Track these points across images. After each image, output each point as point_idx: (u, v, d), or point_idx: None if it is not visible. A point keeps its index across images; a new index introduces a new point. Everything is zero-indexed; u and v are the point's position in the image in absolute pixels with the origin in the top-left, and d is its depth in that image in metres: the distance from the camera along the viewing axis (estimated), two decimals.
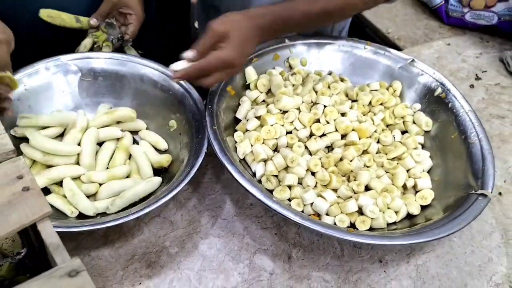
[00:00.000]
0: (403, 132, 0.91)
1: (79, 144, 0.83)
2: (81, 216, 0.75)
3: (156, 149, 0.87)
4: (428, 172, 0.86)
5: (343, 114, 0.88)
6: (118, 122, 0.89)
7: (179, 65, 0.71)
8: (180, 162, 0.82)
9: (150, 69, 0.90)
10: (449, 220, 0.72)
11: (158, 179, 0.79)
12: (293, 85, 0.91)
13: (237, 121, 0.87)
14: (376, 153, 0.85)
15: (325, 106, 0.87)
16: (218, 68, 0.71)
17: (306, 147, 0.83)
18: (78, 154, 0.82)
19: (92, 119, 0.87)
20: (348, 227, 0.75)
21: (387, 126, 0.91)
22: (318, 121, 0.86)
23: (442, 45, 1.26)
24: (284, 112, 0.85)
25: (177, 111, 0.87)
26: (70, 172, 0.78)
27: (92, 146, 0.83)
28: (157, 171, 0.84)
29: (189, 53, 0.71)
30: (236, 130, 0.85)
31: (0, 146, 0.38)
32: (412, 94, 0.94)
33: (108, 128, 0.87)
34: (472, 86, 1.13)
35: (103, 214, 0.76)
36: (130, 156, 0.86)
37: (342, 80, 0.96)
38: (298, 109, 0.86)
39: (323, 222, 0.73)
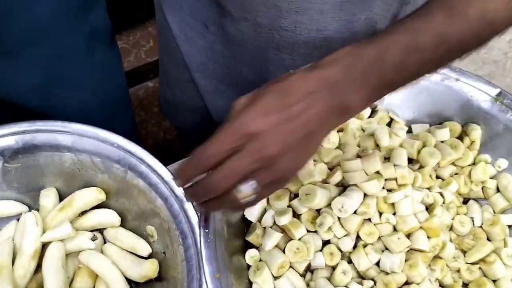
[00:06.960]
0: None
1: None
2: None
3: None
4: None
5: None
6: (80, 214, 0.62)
7: None
8: (179, 261, 0.55)
9: None
10: None
11: None
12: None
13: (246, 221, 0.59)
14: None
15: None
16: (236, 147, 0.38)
17: (349, 262, 0.56)
18: None
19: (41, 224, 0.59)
20: None
21: (460, 196, 0.63)
22: (368, 220, 0.58)
23: None
24: (318, 210, 0.57)
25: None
26: None
27: (61, 276, 0.56)
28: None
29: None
30: (247, 243, 0.57)
31: None
32: (495, 144, 0.64)
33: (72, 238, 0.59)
34: None
35: None
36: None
37: (391, 121, 0.65)
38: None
39: None
